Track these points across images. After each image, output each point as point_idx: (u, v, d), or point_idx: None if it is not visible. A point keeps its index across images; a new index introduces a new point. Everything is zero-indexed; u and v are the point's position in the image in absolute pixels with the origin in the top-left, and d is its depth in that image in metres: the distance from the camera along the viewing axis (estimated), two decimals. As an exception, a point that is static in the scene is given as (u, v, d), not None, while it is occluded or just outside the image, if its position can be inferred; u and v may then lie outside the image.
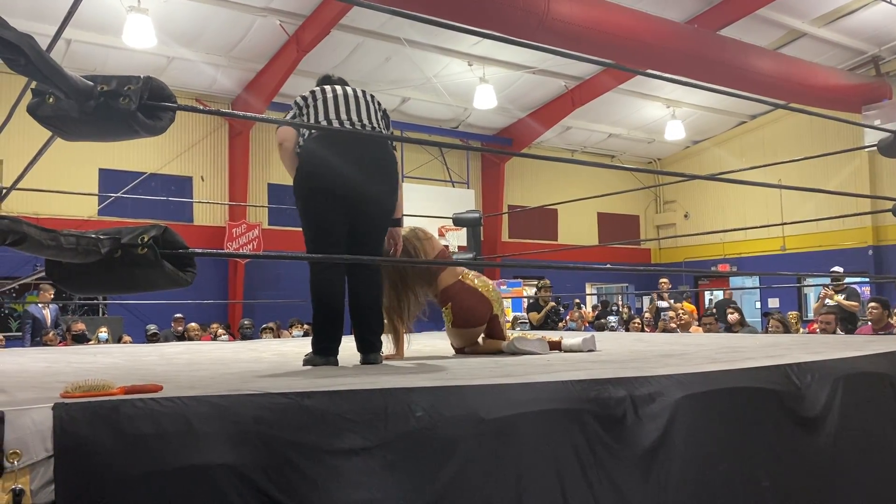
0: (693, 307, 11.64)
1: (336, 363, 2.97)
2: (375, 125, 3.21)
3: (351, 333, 3.21)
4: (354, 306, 3.17)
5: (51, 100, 1.83)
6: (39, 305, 9.20)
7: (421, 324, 4.04)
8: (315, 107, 3.14)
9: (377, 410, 1.68)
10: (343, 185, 3.00)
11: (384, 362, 3.22)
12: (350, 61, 12.19)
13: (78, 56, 10.81)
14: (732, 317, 7.48)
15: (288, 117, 3.21)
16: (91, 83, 1.80)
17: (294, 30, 11.10)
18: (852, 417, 2.50)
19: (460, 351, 3.71)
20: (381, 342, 3.17)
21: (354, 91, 3.24)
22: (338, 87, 3.21)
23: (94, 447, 1.37)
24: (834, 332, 6.84)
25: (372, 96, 3.30)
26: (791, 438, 2.33)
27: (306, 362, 3.00)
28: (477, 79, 12.97)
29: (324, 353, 2.99)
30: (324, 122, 3.10)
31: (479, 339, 3.71)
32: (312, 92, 3.20)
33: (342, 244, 3.06)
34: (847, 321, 8.42)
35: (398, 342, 3.52)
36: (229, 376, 2.43)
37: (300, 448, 1.55)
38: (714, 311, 9.27)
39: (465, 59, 12.65)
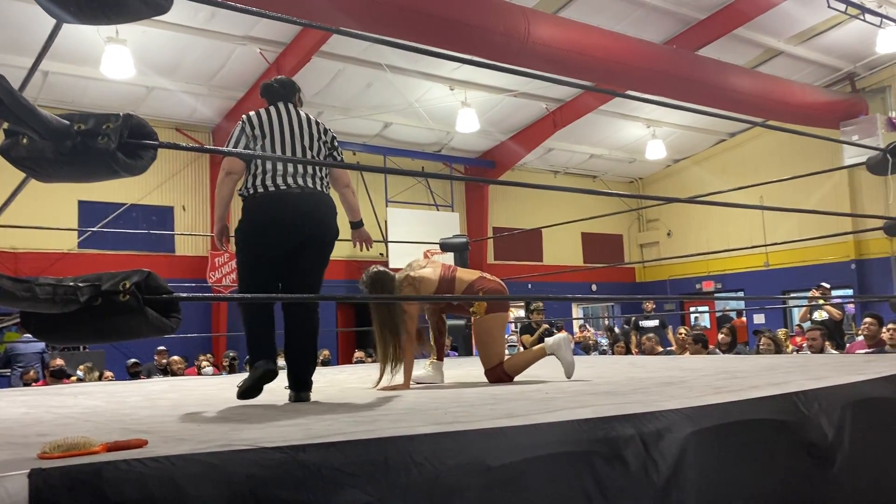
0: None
1: (275, 367, 3.11)
2: (316, 155, 3.29)
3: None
4: (290, 345, 3.26)
5: (25, 140, 1.74)
6: None
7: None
8: (263, 147, 3.17)
9: (377, 461, 1.58)
10: (288, 240, 3.17)
11: (393, 391, 3.43)
12: (331, 88, 12.15)
13: (56, 88, 10.66)
14: (724, 338, 7.45)
15: (235, 134, 3.21)
16: (67, 122, 1.71)
17: (274, 57, 11.04)
18: (863, 446, 2.43)
19: (497, 372, 3.71)
20: (312, 380, 3.24)
21: (299, 118, 3.28)
22: (283, 117, 3.24)
23: (74, 518, 1.27)
24: (822, 349, 6.81)
25: (317, 122, 3.36)
26: (805, 470, 2.25)
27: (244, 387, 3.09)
28: (459, 103, 12.96)
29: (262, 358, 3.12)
30: (279, 175, 3.14)
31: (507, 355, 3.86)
32: (259, 117, 3.22)
33: (276, 288, 3.22)
34: (835, 332, 8.38)
35: (406, 372, 3.66)
36: (217, 422, 2.32)
37: (297, 507, 1.45)
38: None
39: (446, 83, 12.65)
